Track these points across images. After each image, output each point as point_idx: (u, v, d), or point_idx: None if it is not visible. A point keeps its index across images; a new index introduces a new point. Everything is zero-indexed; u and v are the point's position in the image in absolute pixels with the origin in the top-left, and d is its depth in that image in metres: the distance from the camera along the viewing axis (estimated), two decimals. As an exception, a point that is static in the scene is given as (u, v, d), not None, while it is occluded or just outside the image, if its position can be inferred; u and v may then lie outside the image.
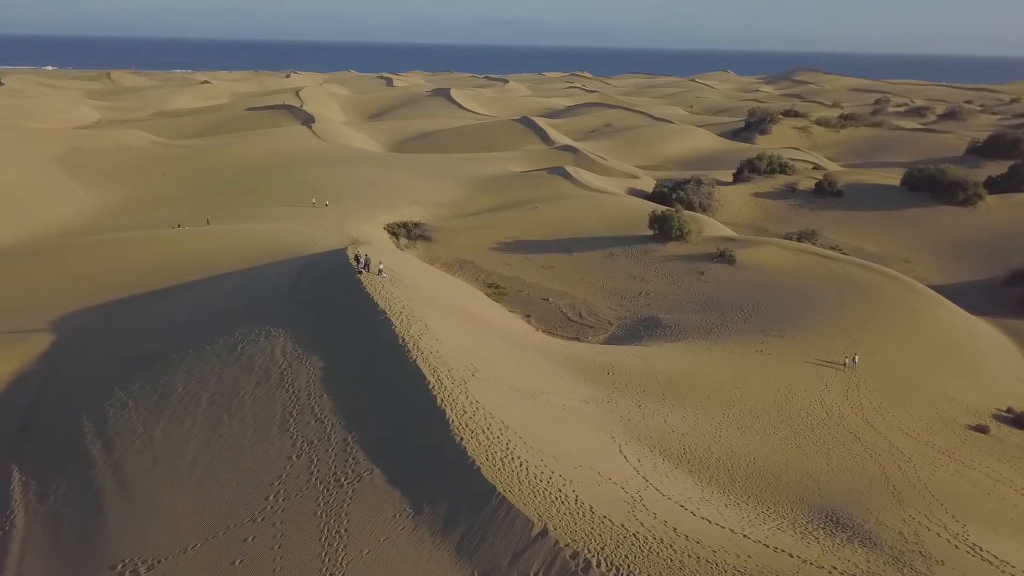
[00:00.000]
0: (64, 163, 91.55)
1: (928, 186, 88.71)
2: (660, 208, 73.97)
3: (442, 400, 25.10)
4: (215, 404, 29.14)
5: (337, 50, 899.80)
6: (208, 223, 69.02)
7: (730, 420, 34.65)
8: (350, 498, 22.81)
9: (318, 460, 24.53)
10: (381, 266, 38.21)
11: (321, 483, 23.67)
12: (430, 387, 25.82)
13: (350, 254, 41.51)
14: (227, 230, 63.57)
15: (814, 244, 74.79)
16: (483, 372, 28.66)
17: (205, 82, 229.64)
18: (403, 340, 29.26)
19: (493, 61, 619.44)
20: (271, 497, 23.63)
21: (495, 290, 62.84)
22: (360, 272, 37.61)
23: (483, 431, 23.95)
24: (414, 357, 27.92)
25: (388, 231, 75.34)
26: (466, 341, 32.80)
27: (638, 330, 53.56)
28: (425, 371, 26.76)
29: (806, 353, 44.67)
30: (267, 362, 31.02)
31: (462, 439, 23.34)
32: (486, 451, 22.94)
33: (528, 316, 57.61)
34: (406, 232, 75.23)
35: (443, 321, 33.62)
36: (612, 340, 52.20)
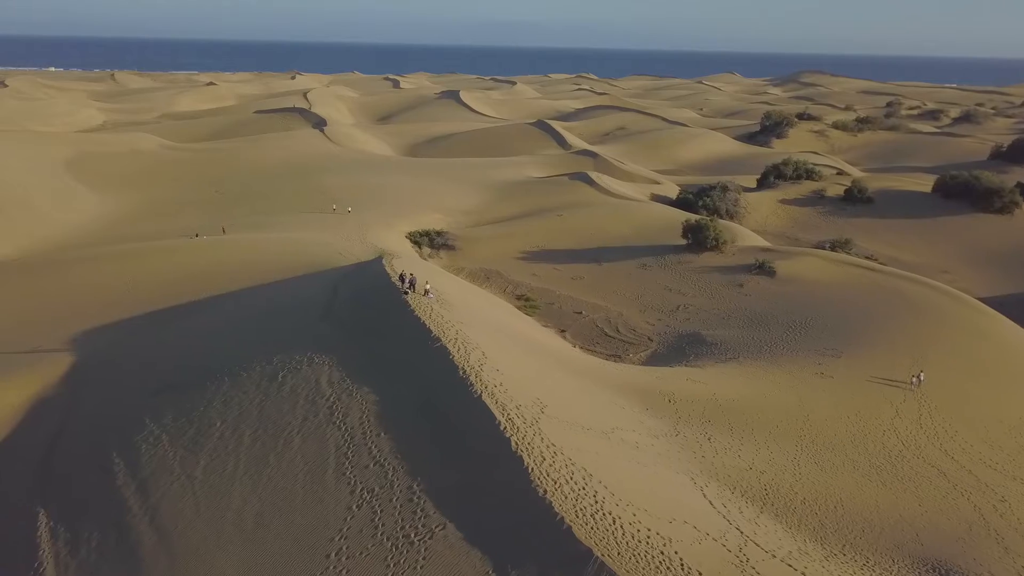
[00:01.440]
0: (73, 168, 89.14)
1: (962, 193, 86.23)
2: (693, 217, 71.52)
3: (517, 444, 22.67)
4: (259, 442, 26.70)
5: (337, 51, 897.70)
6: (224, 232, 66.62)
7: (805, 453, 32.23)
8: (423, 558, 20.38)
9: (382, 511, 22.09)
10: (428, 286, 35.76)
11: (388, 539, 21.21)
12: (501, 428, 23.38)
13: (388, 270, 39.08)
14: (247, 240, 61.17)
15: (848, 253, 72.51)
16: (551, 407, 26.25)
17: (210, 84, 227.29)
18: (464, 372, 26.83)
19: (494, 62, 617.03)
20: (333, 555, 21.21)
21: (525, 303, 60.43)
22: (406, 292, 35.16)
23: (566, 481, 21.53)
24: (478, 392, 25.48)
25: (410, 240, 72.98)
26: (524, 369, 30.38)
27: (681, 347, 51.14)
28: (493, 409, 24.32)
29: (867, 374, 42.25)
30: (313, 394, 28.58)
31: (545, 491, 20.91)
32: (574, 505, 20.53)
33: (563, 331, 55.23)
34: (428, 241, 72.87)
35: (498, 347, 31.20)
36: (655, 358, 49.79)
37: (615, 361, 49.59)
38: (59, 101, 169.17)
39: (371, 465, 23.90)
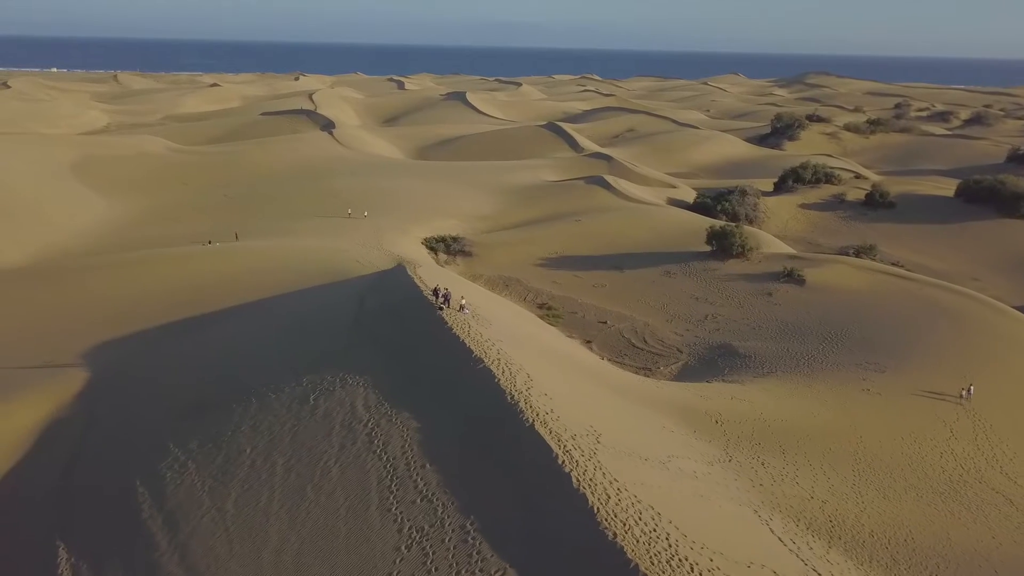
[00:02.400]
0: (79, 171, 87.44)
1: (987, 198, 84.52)
2: (718, 223, 69.77)
3: (578, 480, 20.95)
4: (294, 472, 24.97)
5: (337, 52, 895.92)
6: (237, 238, 64.90)
7: (864, 479, 30.54)
8: (483, 608, 18.71)
9: (434, 554, 20.37)
10: (463, 301, 34.01)
11: (443, 585, 19.54)
12: (560, 462, 21.66)
13: (418, 283, 37.34)
14: (262, 247, 59.47)
15: (873, 260, 70.84)
16: (606, 436, 24.54)
17: (214, 85, 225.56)
18: (512, 397, 25.09)
19: (495, 63, 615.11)
20: (383, 603, 19.55)
21: (547, 311, 58.77)
22: (441, 308, 33.43)
23: (635, 522, 19.83)
24: (530, 419, 23.75)
25: (426, 246, 71.32)
26: (570, 392, 28.67)
27: (713, 360, 49.46)
28: (548, 439, 22.60)
29: (914, 389, 40.57)
30: (349, 419, 26.84)
31: (615, 535, 19.21)
32: (648, 551, 18.82)
33: (589, 342, 53.56)
34: (445, 247, 71.22)
35: (540, 367, 29.46)
36: (687, 372, 48.10)
37: (645, 374, 47.92)
38: (63, 103, 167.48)
39: (418, 500, 22.18)
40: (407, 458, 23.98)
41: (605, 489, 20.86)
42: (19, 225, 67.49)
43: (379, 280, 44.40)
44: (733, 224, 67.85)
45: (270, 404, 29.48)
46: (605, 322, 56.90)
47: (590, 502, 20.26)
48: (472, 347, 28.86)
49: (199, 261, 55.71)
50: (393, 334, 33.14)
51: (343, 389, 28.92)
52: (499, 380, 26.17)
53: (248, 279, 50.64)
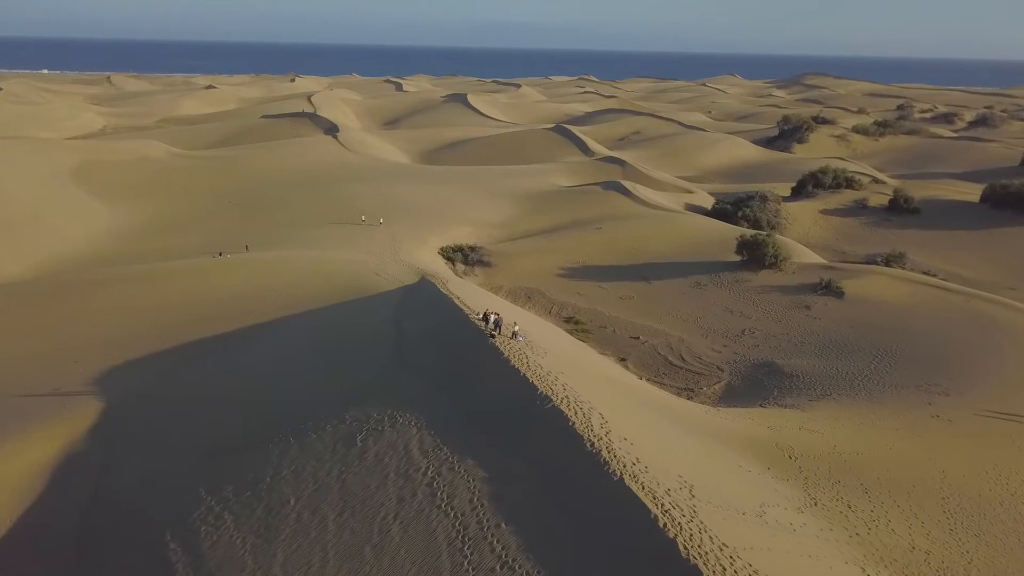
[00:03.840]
0: (80, 178, 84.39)
1: (1015, 203, 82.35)
2: (749, 232, 67.32)
3: (685, 547, 18.30)
4: (348, 529, 22.21)
5: (331, 53, 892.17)
6: (247, 249, 62.03)
7: (959, 523, 28.00)
8: None
9: (525, 636, 17.77)
10: (516, 328, 31.31)
11: (541, 676, 16.89)
12: (661, 525, 19.02)
13: (459, 304, 34.63)
14: (277, 259, 56.69)
15: (903, 268, 68.61)
16: (697, 487, 21.94)
17: (210, 87, 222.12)
18: (592, 444, 22.40)
19: (489, 64, 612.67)
20: None
21: (575, 326, 56.23)
22: (493, 335, 30.73)
23: (759, 598, 17.28)
24: (616, 472, 21.10)
25: (443, 255, 68.72)
26: (647, 432, 26.01)
27: (758, 379, 46.95)
28: (643, 498, 19.91)
29: (985, 415, 38.10)
30: (404, 465, 24.09)
31: (741, 616, 16.66)
32: (781, 636, 16.29)
33: (623, 360, 51.02)
34: (463, 257, 68.68)
35: (609, 403, 26.76)
36: (732, 393, 45.59)
37: (688, 396, 45.42)
38: (57, 105, 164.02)
39: (498, 567, 19.47)
40: (478, 514, 21.27)
41: (717, 558, 18.22)
42: (18, 235, 64.50)
43: (409, 298, 41.69)
44: (765, 233, 65.27)
45: (311, 445, 26.70)
46: (637, 337, 54.36)
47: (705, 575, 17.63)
48: (536, 383, 26.12)
49: (212, 275, 52.89)
50: (440, 364, 30.36)
51: (393, 429, 26.14)
52: (574, 423, 23.43)
53: (266, 295, 47.88)
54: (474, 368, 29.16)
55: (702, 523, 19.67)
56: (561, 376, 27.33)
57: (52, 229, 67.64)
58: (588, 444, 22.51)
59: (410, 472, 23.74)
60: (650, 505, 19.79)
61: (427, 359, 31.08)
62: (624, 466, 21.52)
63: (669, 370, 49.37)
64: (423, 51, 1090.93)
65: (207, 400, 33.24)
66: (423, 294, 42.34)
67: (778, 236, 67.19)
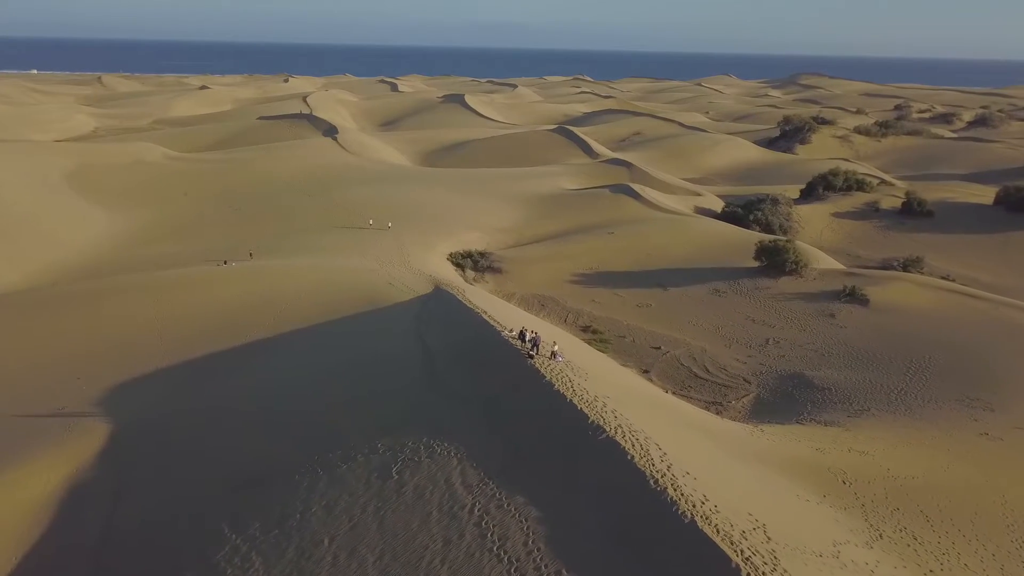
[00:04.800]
0: (75, 182, 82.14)
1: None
2: (768, 237, 65.75)
3: (771, 598, 16.63)
4: (391, 574, 20.39)
5: (322, 53, 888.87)
6: (251, 257, 60.00)
7: (1030, 553, 26.32)
8: None
9: None
10: (556, 347, 29.50)
11: None
12: (742, 574, 17.33)
13: (489, 320, 32.79)
14: (286, 268, 54.71)
15: (922, 273, 67.18)
16: (771, 526, 20.21)
17: (203, 87, 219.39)
18: (656, 481, 20.56)
19: (481, 64, 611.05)
20: None
21: (593, 336, 54.44)
22: (531, 356, 28.87)
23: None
24: (688, 514, 19.31)
25: (452, 262, 66.87)
26: (706, 463, 24.22)
27: (788, 392, 45.32)
28: (720, 543, 18.12)
29: (1032, 433, 36.57)
30: (448, 501, 22.24)
31: None
32: None
33: (646, 372, 49.27)
34: (472, 263, 66.84)
35: (663, 431, 24.96)
36: (762, 407, 43.93)
37: (716, 410, 43.78)
38: (49, 107, 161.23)
39: (564, 623, 17.71)
40: (535, 560, 19.45)
41: (810, 612, 16.49)
42: (14, 243, 62.29)
43: (428, 310, 39.83)
44: (785, 239, 63.64)
45: (342, 477, 24.78)
46: (659, 348, 52.64)
47: (801, 634, 15.89)
48: (586, 411, 24.29)
49: (218, 284, 50.89)
50: (474, 386, 28.49)
51: (431, 460, 24.26)
52: (633, 457, 21.57)
53: (278, 306, 45.95)
54: (514, 392, 27.27)
55: (785, 572, 17.92)
56: (608, 401, 25.54)
57: (49, 235, 65.45)
58: (652, 481, 20.72)
59: (455, 510, 21.89)
60: (729, 552, 18.05)
61: (459, 381, 29.20)
62: (693, 505, 19.76)
63: (695, 382, 47.67)
64: (413, 51, 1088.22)
65: (222, 422, 31.31)
66: (442, 306, 40.55)
67: (797, 242, 65.45)
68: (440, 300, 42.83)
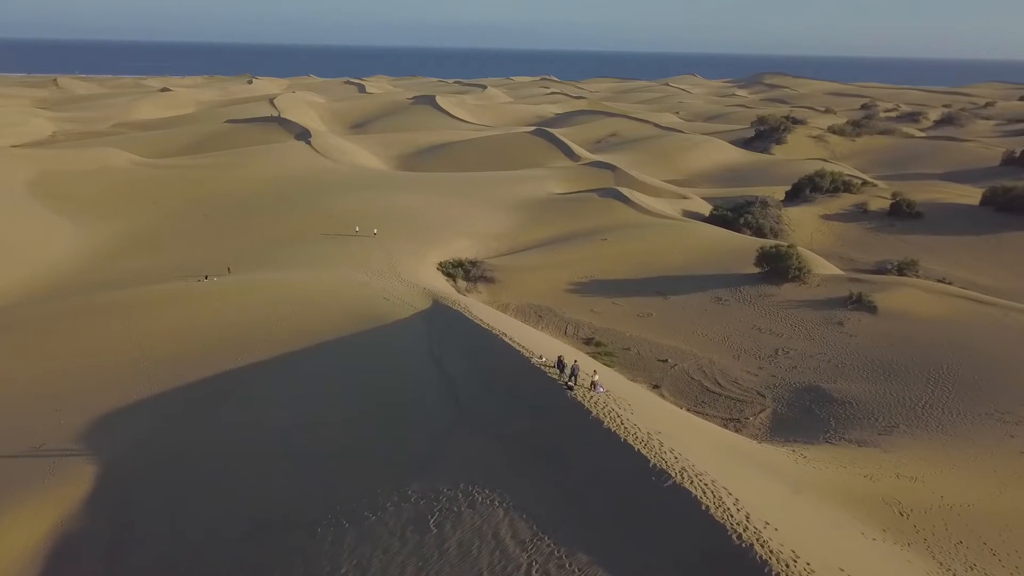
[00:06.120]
0: (38, 191, 77.90)
1: (1020, 207, 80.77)
2: (770, 242, 64.21)
3: None
4: (444, 650, 17.89)
5: (281, 53, 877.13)
6: (229, 272, 56.56)
7: (1110, 590, 24.68)
8: None
9: None
10: (595, 377, 27.13)
11: None
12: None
13: (513, 344, 30.33)
14: (272, 283, 51.67)
15: (918, 276, 66.25)
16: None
17: (165, 89, 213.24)
18: (739, 536, 18.33)
19: (444, 64, 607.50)
20: None
21: (597, 348, 52.28)
22: (571, 387, 26.47)
23: None
24: (775, 571, 17.20)
25: (442, 271, 64.31)
26: (779, 509, 21.92)
27: (807, 406, 43.57)
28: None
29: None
30: (500, 561, 19.69)
31: None
32: None
33: (656, 386, 47.24)
34: (464, 273, 64.39)
35: (724, 469, 22.78)
36: (781, 424, 42.12)
37: (735, 427, 41.95)
38: (3, 110, 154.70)
39: None
40: (614, 633, 17.15)
41: None
42: (-25, 259, 58.35)
43: (435, 328, 37.31)
44: (787, 244, 62.13)
45: (371, 529, 22.14)
46: (666, 360, 50.65)
47: None
48: (645, 452, 21.91)
49: (202, 302, 47.73)
50: (509, 421, 25.90)
51: (472, 510, 21.72)
52: (708, 508, 19.34)
53: (271, 325, 43.01)
54: (557, 429, 24.82)
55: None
56: (662, 438, 23.28)
57: (11, 250, 61.47)
58: (734, 536, 18.49)
59: (509, 571, 19.43)
60: (843, 623, 15.85)
61: (491, 414, 26.66)
62: (786, 566, 17.60)
63: (708, 397, 45.75)
64: (375, 52, 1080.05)
65: (225, 460, 28.45)
66: (452, 325, 38.05)
67: (799, 247, 63.96)
68: (446, 318, 40.35)
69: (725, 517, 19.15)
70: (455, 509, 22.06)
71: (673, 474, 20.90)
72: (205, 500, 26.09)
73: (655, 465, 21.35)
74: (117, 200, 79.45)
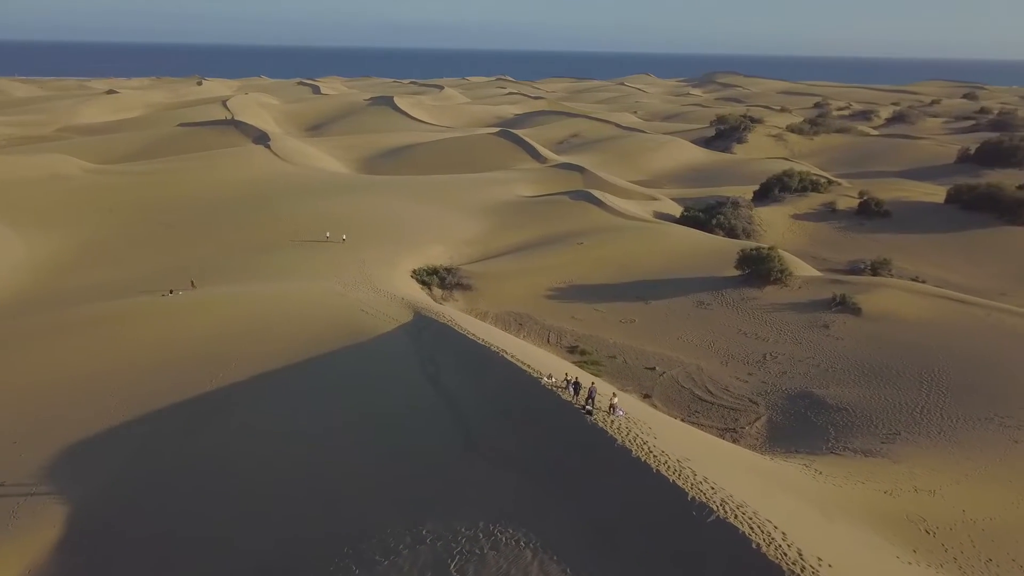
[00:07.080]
0: (-18, 201, 73.64)
1: (985, 205, 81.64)
2: (750, 245, 63.51)
3: None
4: None
5: (229, 54, 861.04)
6: (193, 286, 53.61)
7: None
8: None
9: None
10: (615, 400, 25.46)
11: None
12: None
13: (517, 363, 28.61)
14: (242, 296, 49.14)
15: (891, 276, 66.34)
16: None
17: (111, 91, 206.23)
18: (791, 573, 17.00)
19: (395, 64, 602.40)
20: None
21: (583, 357, 50.84)
22: (588, 411, 24.80)
23: None
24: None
25: (416, 279, 62.30)
26: (823, 541, 20.50)
27: (802, 413, 42.71)
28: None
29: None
30: (535, 610, 18.08)
31: None
32: None
33: (647, 396, 45.97)
34: (439, 281, 62.53)
35: (765, 503, 21.33)
36: (778, 433, 41.17)
37: (731, 437, 40.87)
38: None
39: None
40: None
41: None
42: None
43: (426, 345, 35.38)
44: (768, 246, 61.47)
45: (384, 574, 20.29)
46: (653, 368, 49.44)
47: None
48: (681, 484, 20.35)
49: (169, 319, 45.05)
50: (525, 448, 24.14)
51: (496, 552, 19.92)
52: (759, 546, 17.93)
53: (247, 342, 40.61)
54: (581, 460, 23.10)
55: None
56: (691, 464, 21.81)
57: (-42, 265, 57.74)
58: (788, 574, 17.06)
59: (546, 620, 17.74)
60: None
61: (503, 441, 24.87)
62: (853, 607, 16.22)
63: (701, 407, 44.63)
64: (324, 52, 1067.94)
65: (209, 496, 26.18)
66: (436, 338, 36.20)
67: (780, 250, 63.34)
68: (432, 332, 38.50)
69: (778, 556, 17.75)
70: (477, 551, 20.26)
71: (715, 508, 19.44)
72: (187, 547, 23.83)
73: (694, 499, 19.85)
74: (69, 210, 75.60)
